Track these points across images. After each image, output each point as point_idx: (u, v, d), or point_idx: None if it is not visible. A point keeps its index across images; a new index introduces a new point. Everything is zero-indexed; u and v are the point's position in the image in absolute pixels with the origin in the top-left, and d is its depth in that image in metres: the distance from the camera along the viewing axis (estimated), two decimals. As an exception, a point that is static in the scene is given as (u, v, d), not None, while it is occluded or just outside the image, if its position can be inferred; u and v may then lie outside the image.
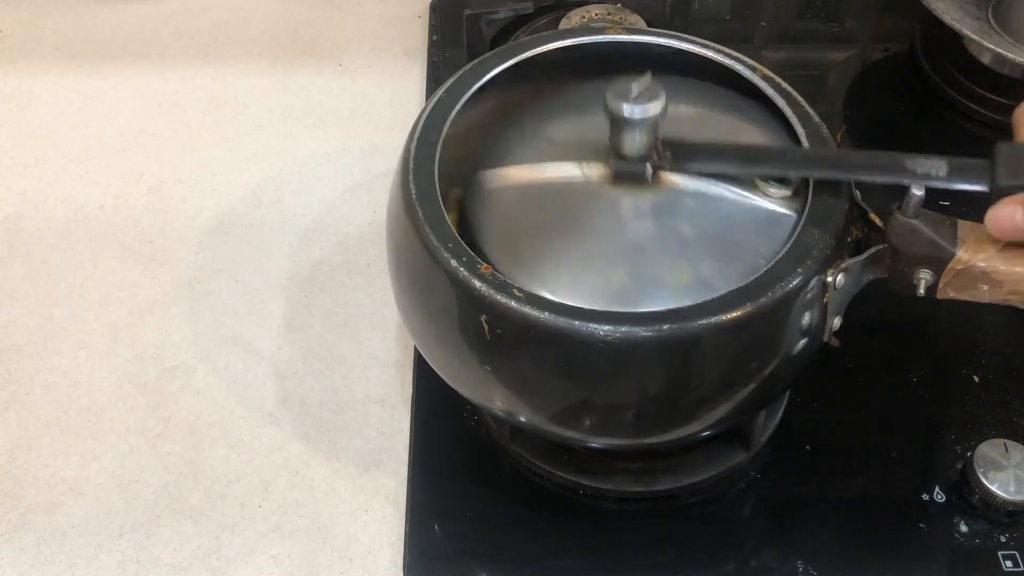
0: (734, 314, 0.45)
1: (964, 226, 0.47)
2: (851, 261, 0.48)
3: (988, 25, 0.77)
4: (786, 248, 0.47)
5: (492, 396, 0.51)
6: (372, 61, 0.86)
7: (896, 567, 0.55)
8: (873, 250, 0.48)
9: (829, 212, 0.48)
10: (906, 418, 0.61)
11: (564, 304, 0.45)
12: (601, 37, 0.58)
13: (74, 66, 0.85)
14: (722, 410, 0.50)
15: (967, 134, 0.79)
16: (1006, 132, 0.81)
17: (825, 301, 0.48)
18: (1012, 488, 0.55)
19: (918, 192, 0.46)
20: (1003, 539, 0.56)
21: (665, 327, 0.45)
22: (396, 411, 0.63)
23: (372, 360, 0.66)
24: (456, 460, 0.60)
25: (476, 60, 0.57)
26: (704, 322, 0.45)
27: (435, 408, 0.62)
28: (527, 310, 0.45)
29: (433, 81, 0.82)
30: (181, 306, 0.69)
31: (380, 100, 0.82)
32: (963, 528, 0.56)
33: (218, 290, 0.70)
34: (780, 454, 0.60)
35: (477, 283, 0.46)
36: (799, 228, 0.48)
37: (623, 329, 0.45)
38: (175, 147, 0.79)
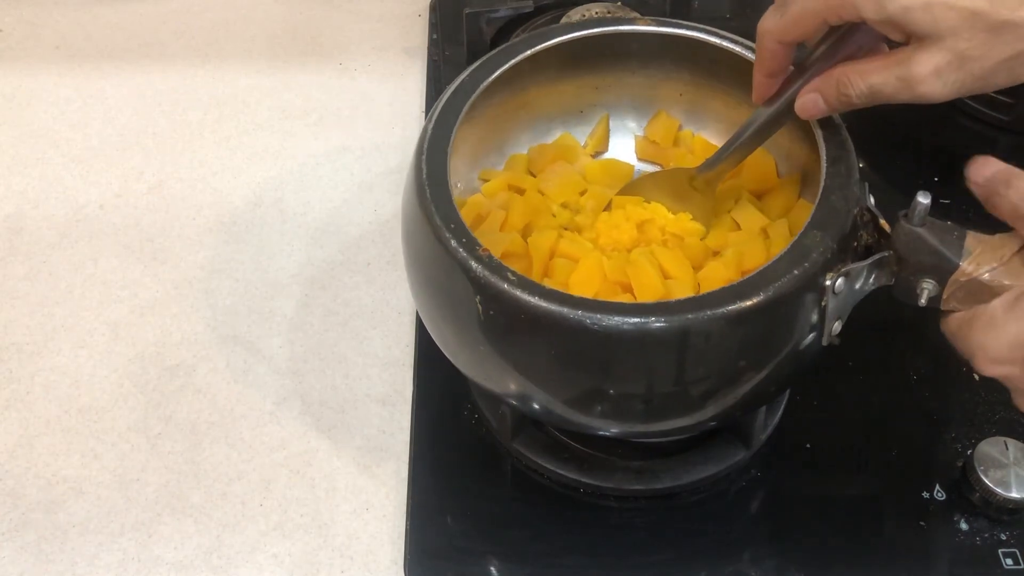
0: (722, 311, 0.45)
1: (972, 237, 0.46)
2: (852, 266, 0.48)
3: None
4: (786, 249, 0.47)
5: (487, 375, 0.52)
6: (372, 60, 0.86)
7: (897, 565, 0.55)
8: (877, 256, 0.48)
9: (834, 215, 0.48)
10: (906, 416, 0.61)
11: (554, 291, 0.46)
12: (629, 27, 0.58)
13: (74, 65, 0.85)
14: (711, 406, 0.50)
15: (968, 132, 0.78)
16: (1007, 130, 0.81)
17: (823, 304, 0.48)
18: (1012, 486, 0.55)
19: (924, 200, 0.46)
20: (1003, 537, 0.56)
21: (652, 320, 0.45)
22: (396, 410, 0.63)
23: (373, 359, 0.66)
24: (457, 458, 0.60)
25: (498, 48, 0.57)
26: (692, 317, 0.45)
27: (435, 407, 0.62)
28: (518, 294, 0.46)
29: (433, 80, 0.82)
30: (182, 305, 0.69)
31: (380, 99, 0.82)
32: (963, 526, 0.56)
33: (218, 289, 0.70)
34: (780, 452, 0.60)
35: (473, 264, 0.47)
36: (802, 231, 0.48)
37: (612, 319, 0.45)
38: (175, 146, 0.79)
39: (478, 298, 0.47)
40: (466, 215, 0.58)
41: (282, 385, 0.65)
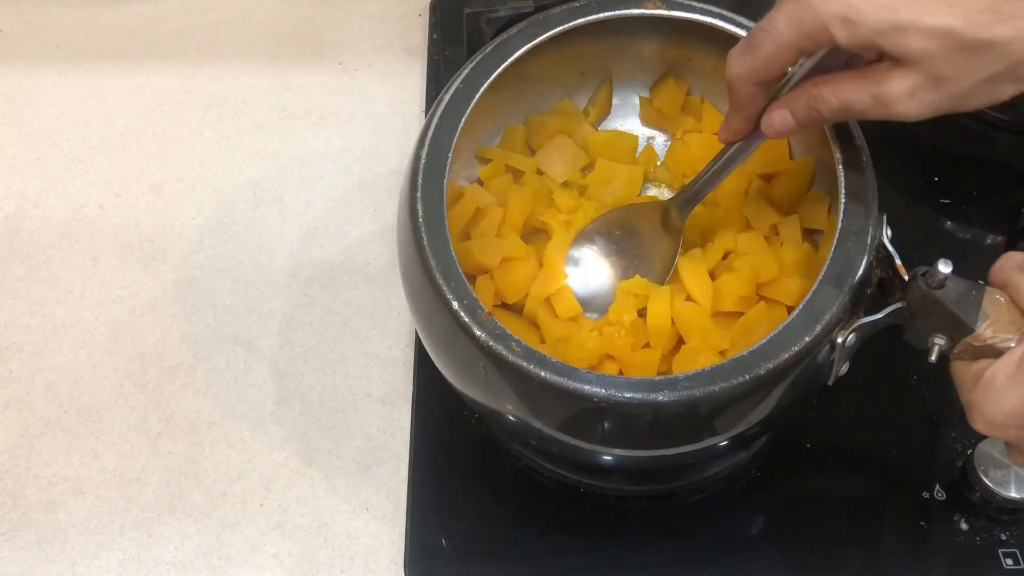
0: (730, 384, 0.45)
1: (989, 299, 0.44)
2: (864, 320, 0.47)
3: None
4: (798, 310, 0.46)
5: (487, 410, 0.52)
6: (372, 60, 0.85)
7: (897, 565, 0.55)
8: (890, 309, 0.47)
9: (849, 267, 0.47)
10: (906, 416, 0.61)
11: (560, 364, 0.45)
12: (636, 11, 0.55)
13: (74, 65, 0.85)
14: (711, 446, 0.50)
15: (968, 132, 0.78)
16: (1007, 130, 0.81)
17: (832, 358, 0.47)
18: (1012, 486, 0.55)
19: (945, 270, 0.44)
20: (1003, 537, 0.56)
21: (658, 396, 0.45)
22: (396, 409, 0.63)
23: (372, 359, 0.66)
24: (456, 458, 0.60)
25: (499, 38, 0.54)
26: (700, 394, 0.45)
27: (436, 407, 0.62)
28: (523, 364, 0.45)
29: (433, 80, 0.82)
30: (182, 305, 0.69)
31: (380, 99, 0.82)
32: (963, 526, 0.56)
33: (218, 289, 0.70)
34: (780, 452, 0.60)
35: (477, 332, 0.46)
36: (815, 286, 0.47)
37: (620, 396, 0.45)
38: (175, 146, 0.79)
39: (481, 363, 0.47)
40: (463, 210, 0.57)
41: (282, 385, 0.65)
